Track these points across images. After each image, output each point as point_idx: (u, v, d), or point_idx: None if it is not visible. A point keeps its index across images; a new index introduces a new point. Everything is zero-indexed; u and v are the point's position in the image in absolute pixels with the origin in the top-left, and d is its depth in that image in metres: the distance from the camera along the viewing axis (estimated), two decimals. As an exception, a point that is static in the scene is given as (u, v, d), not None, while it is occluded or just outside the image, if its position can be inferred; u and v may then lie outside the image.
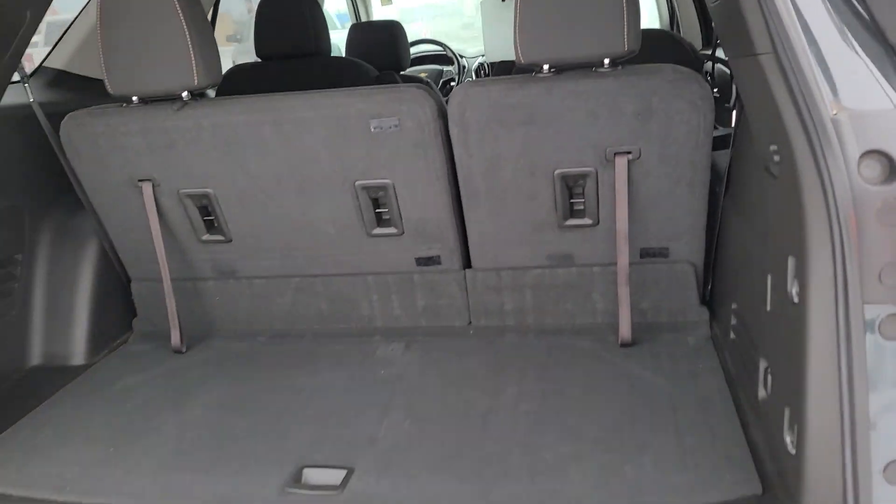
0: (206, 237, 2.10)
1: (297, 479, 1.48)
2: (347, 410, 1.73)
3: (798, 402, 1.15)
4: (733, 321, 1.72)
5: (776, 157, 1.25)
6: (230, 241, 2.09)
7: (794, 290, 1.18)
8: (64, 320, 2.10)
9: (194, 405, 1.83)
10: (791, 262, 1.19)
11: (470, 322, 2.10)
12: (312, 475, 1.50)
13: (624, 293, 1.89)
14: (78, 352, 2.10)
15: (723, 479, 1.36)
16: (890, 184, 1.04)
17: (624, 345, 1.91)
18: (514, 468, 1.46)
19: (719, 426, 1.52)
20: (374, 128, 1.82)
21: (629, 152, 1.78)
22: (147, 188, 2.01)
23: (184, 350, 2.12)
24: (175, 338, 2.11)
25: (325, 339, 2.12)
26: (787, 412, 1.23)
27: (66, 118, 1.96)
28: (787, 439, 1.22)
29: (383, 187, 1.92)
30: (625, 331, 1.90)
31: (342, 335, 2.13)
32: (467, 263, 2.07)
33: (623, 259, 1.87)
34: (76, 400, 1.90)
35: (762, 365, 1.43)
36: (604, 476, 1.40)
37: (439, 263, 2.05)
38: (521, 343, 2.00)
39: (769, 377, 1.38)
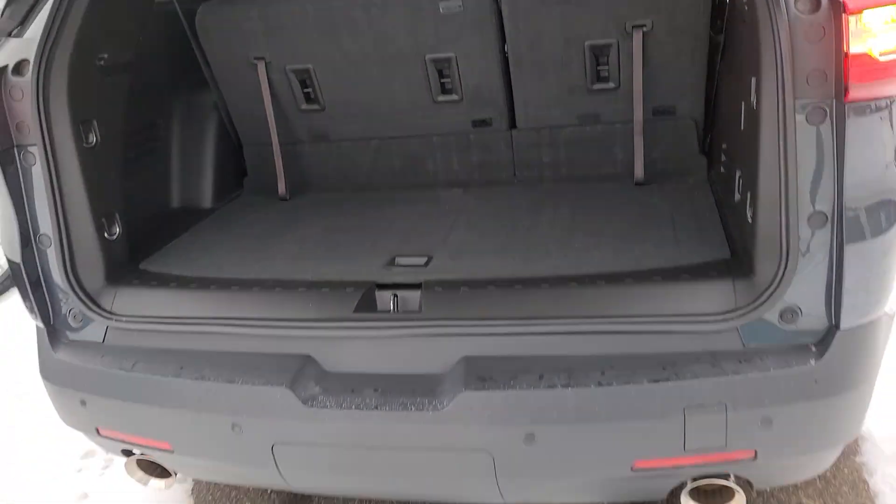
0: (304, 107, 2.63)
1: (392, 262, 2.03)
2: (422, 228, 2.27)
3: (753, 182, 1.65)
4: (723, 158, 2.22)
5: (746, 8, 1.73)
6: (324, 109, 2.62)
7: (754, 100, 1.67)
8: (194, 174, 2.66)
9: (305, 227, 2.38)
10: (753, 80, 1.68)
11: (515, 174, 2.61)
12: (402, 259, 2.04)
13: (639, 142, 2.40)
14: (206, 198, 2.66)
15: (703, 251, 1.87)
16: (815, 13, 1.52)
17: (637, 183, 2.42)
18: (551, 251, 1.99)
19: (706, 227, 2.03)
20: (443, 9, 2.32)
21: (644, 25, 2.26)
22: (261, 66, 2.54)
23: (288, 198, 2.68)
24: (281, 188, 2.67)
25: (399, 190, 2.66)
26: (748, 195, 1.73)
27: (200, 7, 2.49)
28: (748, 214, 1.73)
29: (447, 60, 2.43)
30: (638, 171, 2.42)
31: (412, 188, 2.66)
32: (513, 124, 2.57)
33: (638, 115, 2.37)
34: (210, 230, 2.46)
35: (737, 174, 1.92)
36: (617, 253, 1.93)
37: (490, 125, 2.56)
38: (556, 188, 2.52)
39: (741, 182, 1.88)
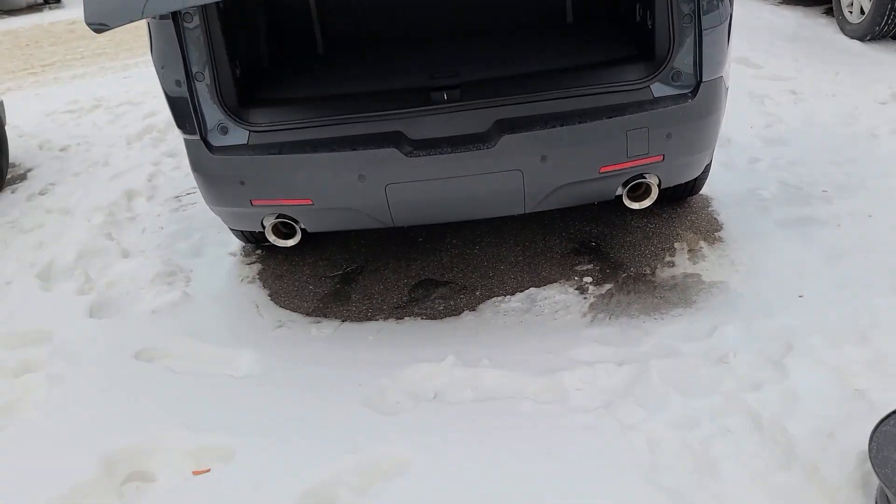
0: None
1: (435, 75, 3.09)
2: (444, 56, 3.37)
3: (651, 5, 2.88)
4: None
5: None
6: None
7: None
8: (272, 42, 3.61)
9: (357, 65, 3.49)
10: None
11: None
12: (441, 73, 3.13)
13: None
14: (268, 60, 3.62)
15: (628, 49, 3.08)
16: None
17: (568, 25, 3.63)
18: (531, 57, 3.14)
19: (625, 40, 3.26)
20: None
21: None
22: None
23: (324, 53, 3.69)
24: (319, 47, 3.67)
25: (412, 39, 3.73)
26: (647, 13, 2.97)
27: None
28: (648, 23, 2.95)
29: None
30: (569, 17, 3.63)
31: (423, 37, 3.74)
32: None
33: None
34: (288, 74, 3.43)
35: (637, 6, 3.14)
36: (578, 54, 3.10)
37: None
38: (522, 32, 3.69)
39: (640, 8, 3.10)
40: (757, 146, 4.34)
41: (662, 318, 2.95)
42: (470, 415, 2.50)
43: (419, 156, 2.71)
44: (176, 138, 5.60)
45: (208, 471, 2.36)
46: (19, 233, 4.34)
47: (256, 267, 3.74)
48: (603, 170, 2.82)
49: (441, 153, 2.71)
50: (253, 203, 2.86)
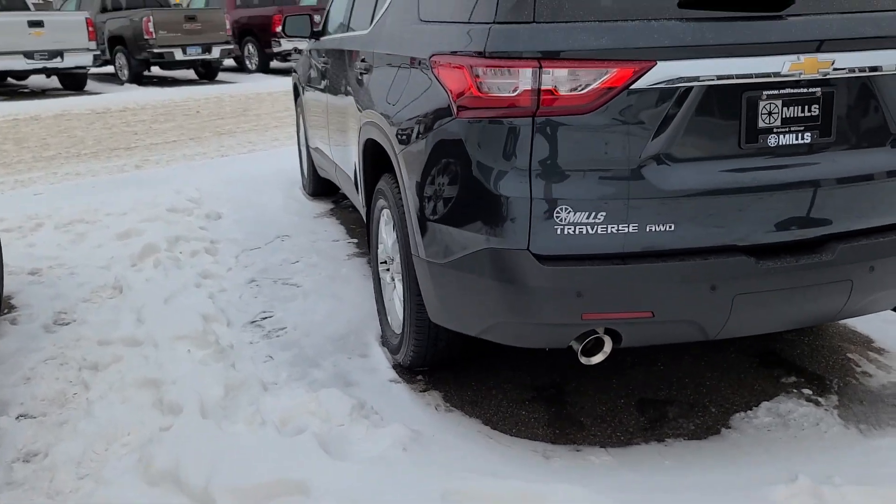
0: None
1: None
2: None
3: None
4: None
5: None
6: None
7: None
8: None
9: None
10: None
11: None
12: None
13: None
14: None
15: None
16: None
17: None
18: None
19: None
20: None
21: None
22: None
23: None
24: None
25: None
26: None
27: None
28: None
29: None
30: None
31: None
32: None
33: None
34: None
35: None
36: None
37: None
38: None
39: None
40: None
41: (924, 423, 3.04)
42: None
43: (769, 266, 2.61)
44: (195, 259, 4.96)
45: None
46: (93, 370, 3.53)
47: (437, 393, 3.34)
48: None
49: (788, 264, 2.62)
50: (583, 318, 2.59)
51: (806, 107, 2.60)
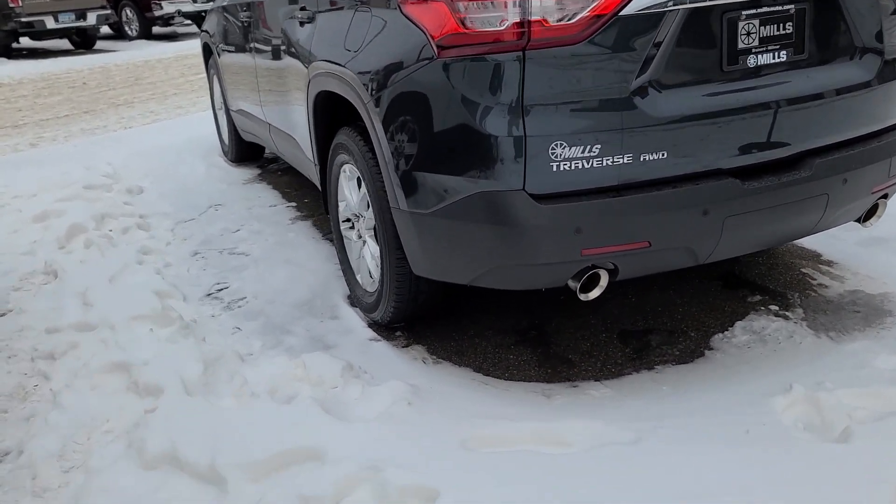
0: None
1: None
2: None
3: None
4: None
5: None
6: None
7: None
8: None
9: None
10: None
11: None
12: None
13: None
14: None
15: None
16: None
17: None
18: None
19: None
20: None
21: None
22: None
23: None
24: None
25: None
26: None
27: None
28: None
29: None
30: None
31: None
32: None
33: None
34: None
35: None
36: None
37: None
38: None
39: None
40: None
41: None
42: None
43: (754, 186, 2.64)
44: (129, 235, 4.68)
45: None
46: (49, 360, 3.28)
47: (420, 347, 3.29)
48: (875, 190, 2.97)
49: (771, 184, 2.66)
50: (583, 253, 2.57)
51: (780, 25, 2.65)
